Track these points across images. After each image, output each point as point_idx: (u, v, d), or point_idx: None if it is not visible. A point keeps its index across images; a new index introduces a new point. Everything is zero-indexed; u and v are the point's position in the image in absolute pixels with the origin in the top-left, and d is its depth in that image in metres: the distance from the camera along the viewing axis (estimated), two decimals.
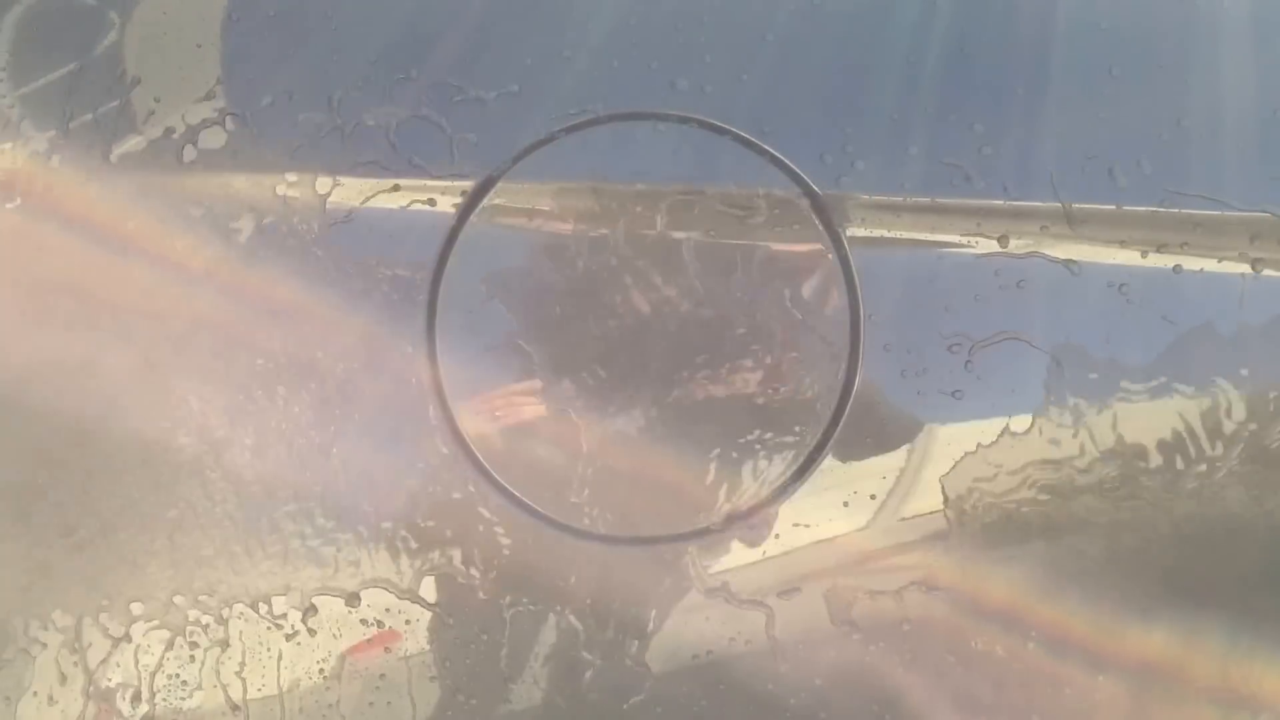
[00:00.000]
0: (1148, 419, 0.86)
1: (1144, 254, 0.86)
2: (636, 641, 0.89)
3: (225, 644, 0.92)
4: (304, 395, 0.89)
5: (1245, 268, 0.85)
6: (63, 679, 0.94)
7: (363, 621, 0.91)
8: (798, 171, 0.86)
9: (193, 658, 0.93)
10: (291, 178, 0.90)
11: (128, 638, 0.93)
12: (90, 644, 0.94)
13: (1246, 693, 0.88)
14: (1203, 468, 0.86)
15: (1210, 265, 0.86)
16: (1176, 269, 0.85)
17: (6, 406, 0.94)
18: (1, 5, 0.94)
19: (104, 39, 0.93)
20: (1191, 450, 0.86)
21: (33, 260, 0.93)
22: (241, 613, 0.92)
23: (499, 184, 0.88)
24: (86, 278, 0.93)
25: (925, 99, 0.87)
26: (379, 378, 0.89)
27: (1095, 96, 0.87)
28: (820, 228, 0.86)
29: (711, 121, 0.87)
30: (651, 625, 0.89)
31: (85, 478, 0.93)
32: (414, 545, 0.90)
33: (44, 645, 0.95)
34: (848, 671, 0.89)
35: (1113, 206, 0.86)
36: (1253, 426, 0.86)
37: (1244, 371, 0.86)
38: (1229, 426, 0.86)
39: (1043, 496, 0.86)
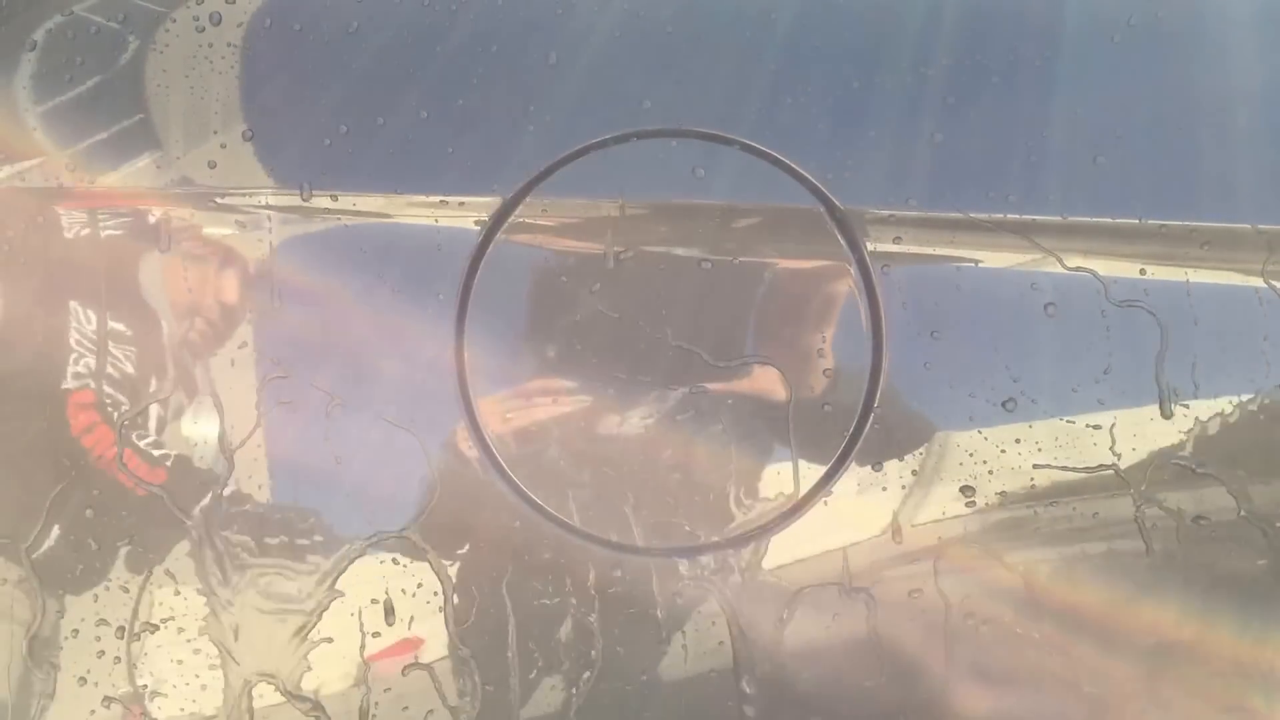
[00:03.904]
0: (1166, 425, 0.87)
1: (1187, 271, 0.87)
2: (653, 647, 0.90)
3: (248, 650, 0.92)
4: (327, 401, 0.90)
5: (1264, 282, 0.88)
6: (82, 682, 0.95)
7: (386, 629, 0.91)
8: (819, 186, 0.87)
9: (213, 666, 0.93)
10: (314, 193, 0.90)
11: (144, 641, 0.93)
12: (103, 651, 0.94)
13: (1259, 674, 0.90)
14: (1218, 476, 0.88)
15: (1229, 278, 0.88)
16: (1192, 282, 0.87)
17: (35, 404, 0.94)
18: (25, 25, 0.94)
19: (122, 58, 0.93)
20: (1206, 457, 0.88)
21: (65, 271, 0.94)
22: (263, 618, 0.92)
23: (526, 200, 0.89)
24: (113, 290, 0.93)
25: (947, 113, 0.88)
26: (404, 387, 0.89)
27: (1113, 108, 0.88)
28: (842, 242, 0.87)
29: (734, 138, 0.88)
30: (668, 632, 0.90)
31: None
32: (438, 552, 0.90)
33: (68, 649, 0.95)
34: (864, 677, 0.90)
35: (1135, 220, 0.87)
36: (1267, 433, 0.88)
37: (1263, 381, 0.88)
38: (1244, 434, 0.88)
39: (1060, 502, 0.88)
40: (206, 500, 0.92)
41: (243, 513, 0.92)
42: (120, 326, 0.93)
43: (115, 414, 0.93)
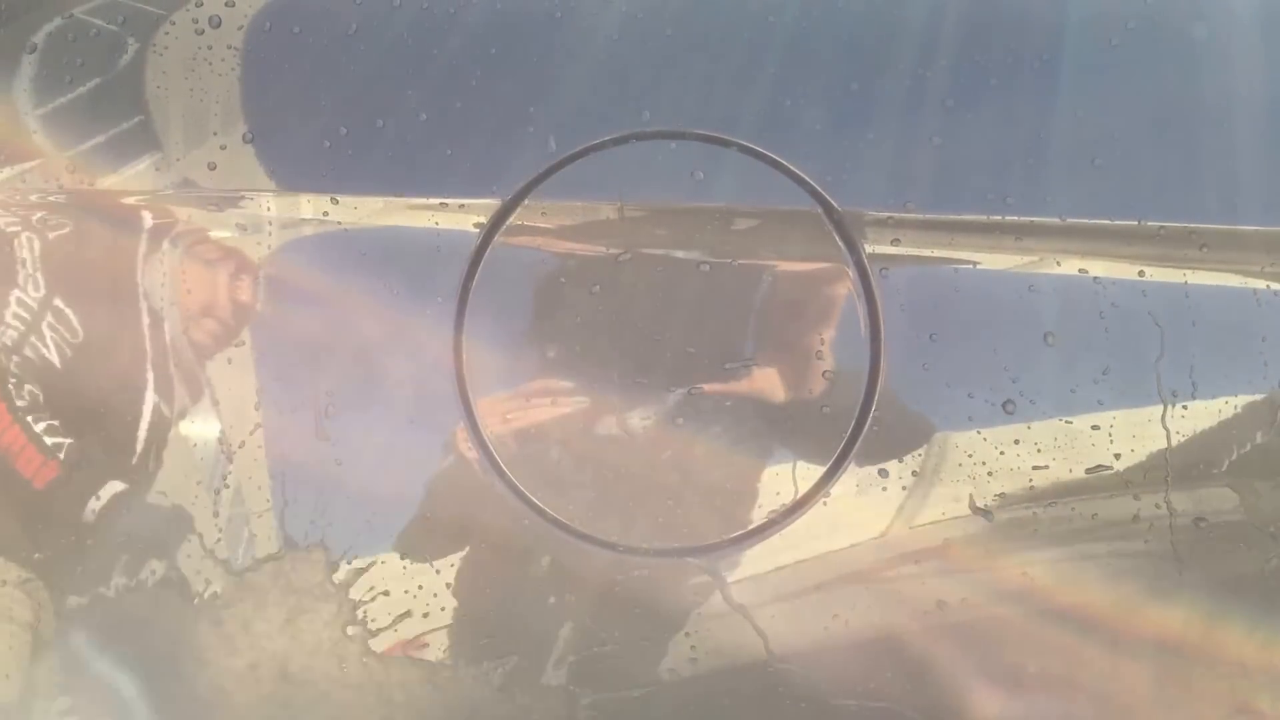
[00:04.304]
0: (1165, 426, 0.88)
1: (1185, 273, 0.87)
2: (654, 648, 0.90)
3: (251, 651, 0.93)
4: (326, 403, 0.90)
5: (1262, 283, 0.88)
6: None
7: (388, 629, 0.92)
8: (817, 188, 0.87)
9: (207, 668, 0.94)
10: (313, 197, 0.90)
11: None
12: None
13: (1265, 674, 0.90)
14: (1217, 477, 0.88)
15: (1227, 280, 0.88)
16: (1190, 283, 0.87)
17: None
18: (25, 28, 0.94)
19: (122, 60, 0.94)
20: (1205, 458, 0.88)
21: (65, 273, 0.94)
22: (265, 619, 0.93)
23: (525, 202, 0.89)
24: (111, 294, 0.93)
25: (945, 115, 0.88)
26: (403, 389, 0.90)
27: (1112, 110, 0.88)
28: (840, 244, 0.87)
29: (732, 139, 0.88)
30: (668, 633, 0.90)
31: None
32: (438, 554, 0.91)
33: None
34: (865, 679, 0.90)
35: (1133, 223, 0.87)
36: (1265, 434, 0.88)
37: (1261, 382, 0.88)
38: (1245, 435, 0.88)
39: (1059, 503, 0.88)
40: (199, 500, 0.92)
41: (243, 514, 0.92)
42: (108, 328, 0.94)
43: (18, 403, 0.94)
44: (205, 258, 0.93)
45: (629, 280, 0.87)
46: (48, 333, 0.94)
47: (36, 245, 0.94)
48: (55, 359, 0.94)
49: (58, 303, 0.94)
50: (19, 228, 0.94)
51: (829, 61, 0.90)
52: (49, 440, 0.93)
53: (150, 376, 0.93)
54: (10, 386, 0.94)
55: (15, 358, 0.94)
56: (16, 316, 0.93)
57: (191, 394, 0.93)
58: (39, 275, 0.94)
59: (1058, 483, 0.88)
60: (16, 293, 0.94)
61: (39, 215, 0.94)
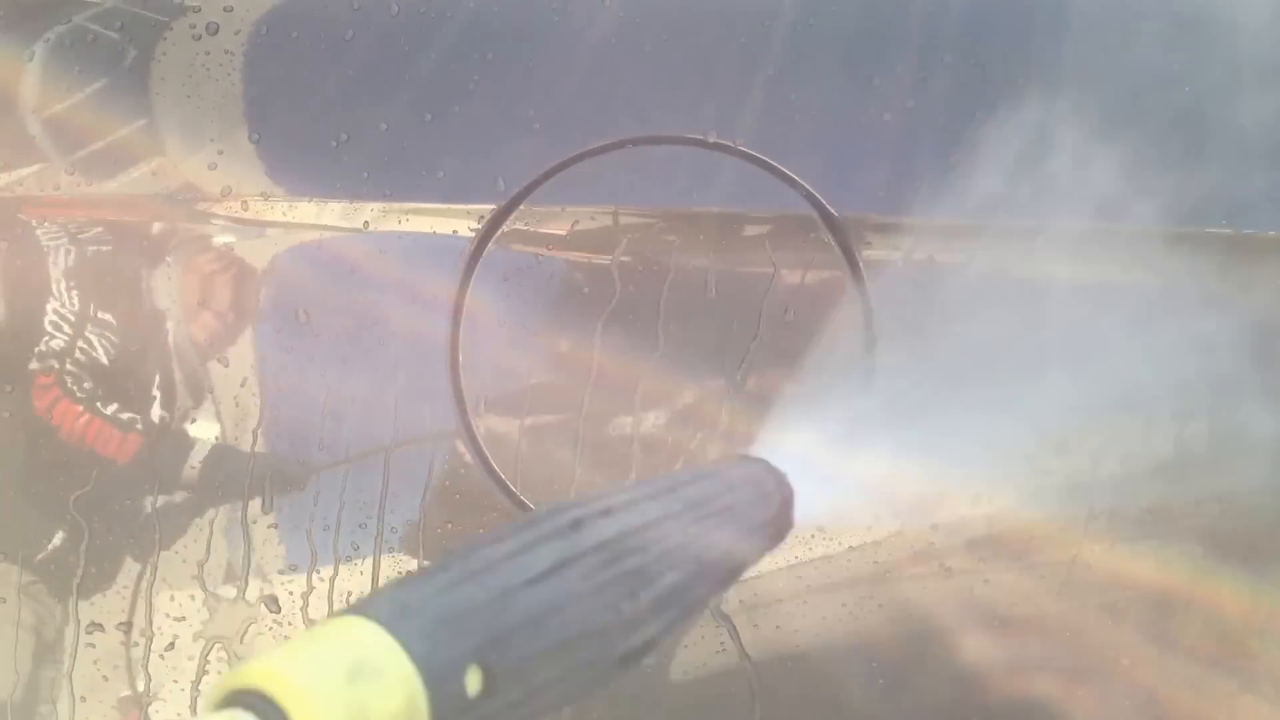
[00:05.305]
0: (1166, 434, 0.87)
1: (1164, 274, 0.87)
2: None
3: (244, 654, 0.93)
4: (322, 408, 0.90)
5: (1271, 288, 0.87)
6: (82, 687, 0.96)
7: None
8: (814, 193, 0.87)
9: (207, 671, 0.94)
10: (311, 201, 0.91)
11: (143, 646, 0.94)
12: (99, 657, 0.95)
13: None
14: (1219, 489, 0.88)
15: (1231, 285, 0.87)
16: (1192, 287, 0.87)
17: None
18: (25, 34, 0.95)
19: (121, 66, 0.94)
20: (1208, 464, 0.88)
21: (69, 280, 0.95)
22: (260, 621, 0.93)
23: (520, 207, 0.89)
24: (112, 298, 0.94)
25: (944, 119, 0.88)
26: (398, 394, 0.90)
27: (1111, 113, 0.88)
28: (838, 249, 0.87)
29: (729, 144, 0.88)
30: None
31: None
32: (435, 556, 0.91)
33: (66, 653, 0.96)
34: (866, 681, 0.90)
35: (1133, 226, 0.87)
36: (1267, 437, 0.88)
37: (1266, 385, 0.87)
38: (1248, 442, 0.87)
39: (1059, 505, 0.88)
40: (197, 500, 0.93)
41: (239, 516, 0.93)
42: (105, 332, 0.94)
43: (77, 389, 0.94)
44: (205, 262, 0.93)
45: (624, 285, 0.88)
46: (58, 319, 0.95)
47: (38, 251, 0.95)
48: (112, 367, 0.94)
49: (56, 302, 0.95)
50: (17, 233, 0.94)
51: (827, 66, 0.89)
52: (124, 416, 0.94)
53: (152, 380, 0.93)
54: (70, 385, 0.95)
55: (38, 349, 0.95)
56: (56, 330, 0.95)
57: (193, 396, 0.93)
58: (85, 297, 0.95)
59: (1065, 489, 0.87)
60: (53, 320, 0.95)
61: (36, 221, 0.94)
